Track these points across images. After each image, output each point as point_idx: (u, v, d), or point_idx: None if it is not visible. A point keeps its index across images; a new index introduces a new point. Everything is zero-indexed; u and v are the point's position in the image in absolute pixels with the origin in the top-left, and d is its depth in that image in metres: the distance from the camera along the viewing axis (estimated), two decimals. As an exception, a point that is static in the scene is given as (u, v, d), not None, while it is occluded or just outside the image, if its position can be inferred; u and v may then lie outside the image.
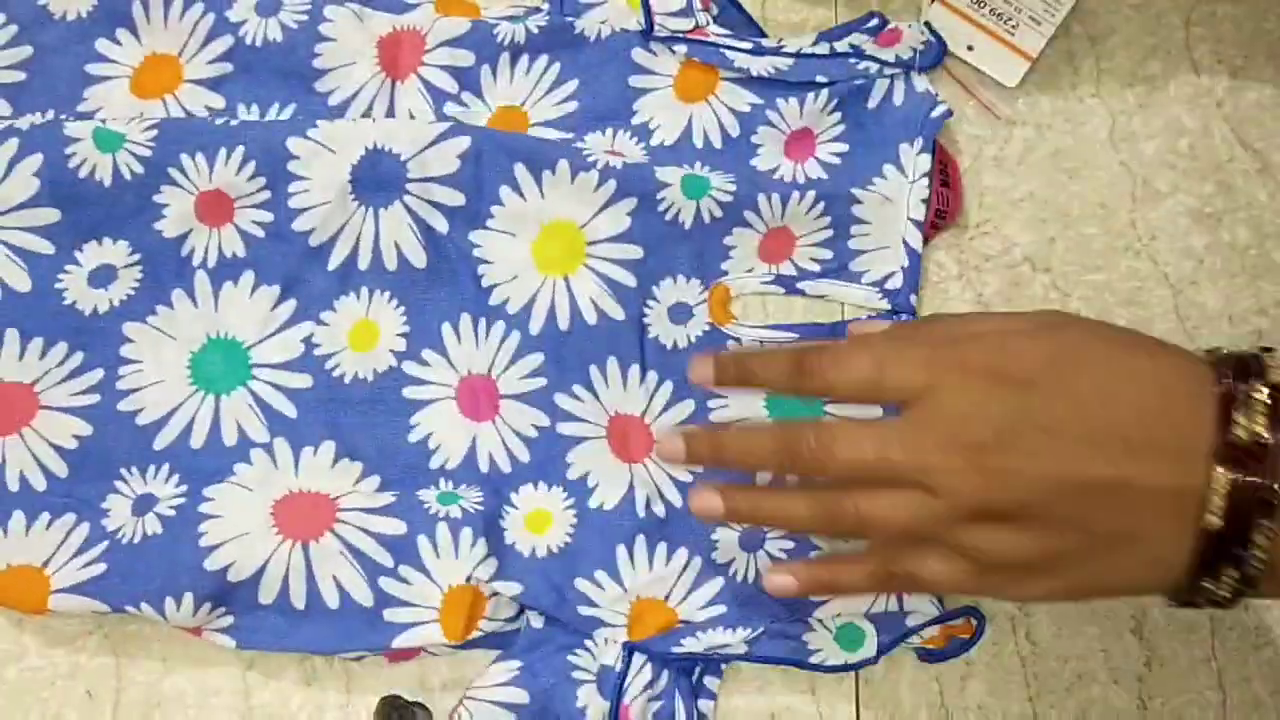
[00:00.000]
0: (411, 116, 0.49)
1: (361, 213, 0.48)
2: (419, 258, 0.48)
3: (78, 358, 0.47)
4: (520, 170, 0.48)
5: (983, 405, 0.36)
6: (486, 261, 0.48)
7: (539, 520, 0.47)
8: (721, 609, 0.46)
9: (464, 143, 0.48)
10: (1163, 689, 0.47)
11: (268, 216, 0.48)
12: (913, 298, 0.49)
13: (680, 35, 0.50)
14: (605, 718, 0.44)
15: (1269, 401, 0.33)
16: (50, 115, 0.49)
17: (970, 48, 0.51)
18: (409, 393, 0.48)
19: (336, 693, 0.47)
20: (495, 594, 0.45)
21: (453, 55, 0.50)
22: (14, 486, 0.46)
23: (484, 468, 0.47)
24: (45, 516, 0.46)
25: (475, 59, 0.50)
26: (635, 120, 0.50)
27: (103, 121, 0.47)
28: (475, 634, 0.45)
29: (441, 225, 0.48)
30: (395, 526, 0.46)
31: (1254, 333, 0.50)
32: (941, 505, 0.36)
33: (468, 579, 0.45)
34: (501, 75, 0.50)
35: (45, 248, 0.47)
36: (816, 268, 0.50)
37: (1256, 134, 0.51)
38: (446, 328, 0.48)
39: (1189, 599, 0.36)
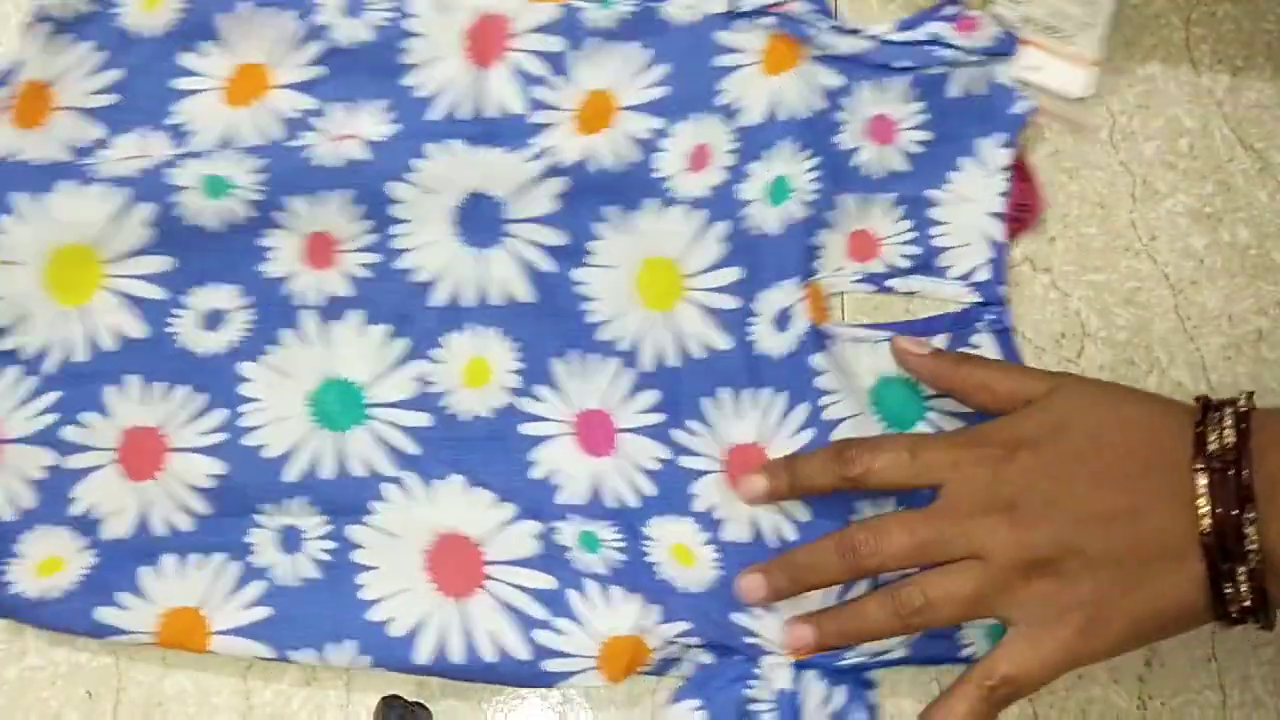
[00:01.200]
0: (502, 110, 0.49)
1: (465, 252, 0.48)
2: (524, 294, 0.48)
3: (201, 399, 0.47)
4: (613, 210, 0.49)
5: (1001, 472, 0.42)
6: (591, 299, 0.49)
7: (682, 554, 0.47)
8: None
9: (559, 184, 0.48)
10: (1163, 689, 0.47)
11: (372, 257, 0.48)
12: (1000, 289, 0.49)
13: (765, 9, 0.49)
14: None
15: (1234, 419, 0.39)
16: (143, 132, 0.49)
17: (1037, 68, 0.50)
18: (526, 429, 0.48)
19: (336, 693, 0.47)
20: (669, 642, 0.45)
21: (542, 41, 0.50)
22: (161, 530, 0.46)
23: (610, 503, 0.47)
24: (195, 557, 0.46)
25: (563, 44, 0.50)
26: (720, 100, 0.50)
27: (197, 155, 0.48)
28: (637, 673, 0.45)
29: (544, 264, 0.49)
30: (545, 581, 0.46)
31: (1254, 332, 0.50)
32: (994, 567, 0.41)
33: (633, 630, 0.45)
34: (590, 60, 0.50)
35: (156, 294, 0.48)
36: (907, 264, 0.50)
37: (1256, 134, 0.51)
38: (558, 363, 0.48)
39: (1225, 611, 0.40)
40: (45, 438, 0.47)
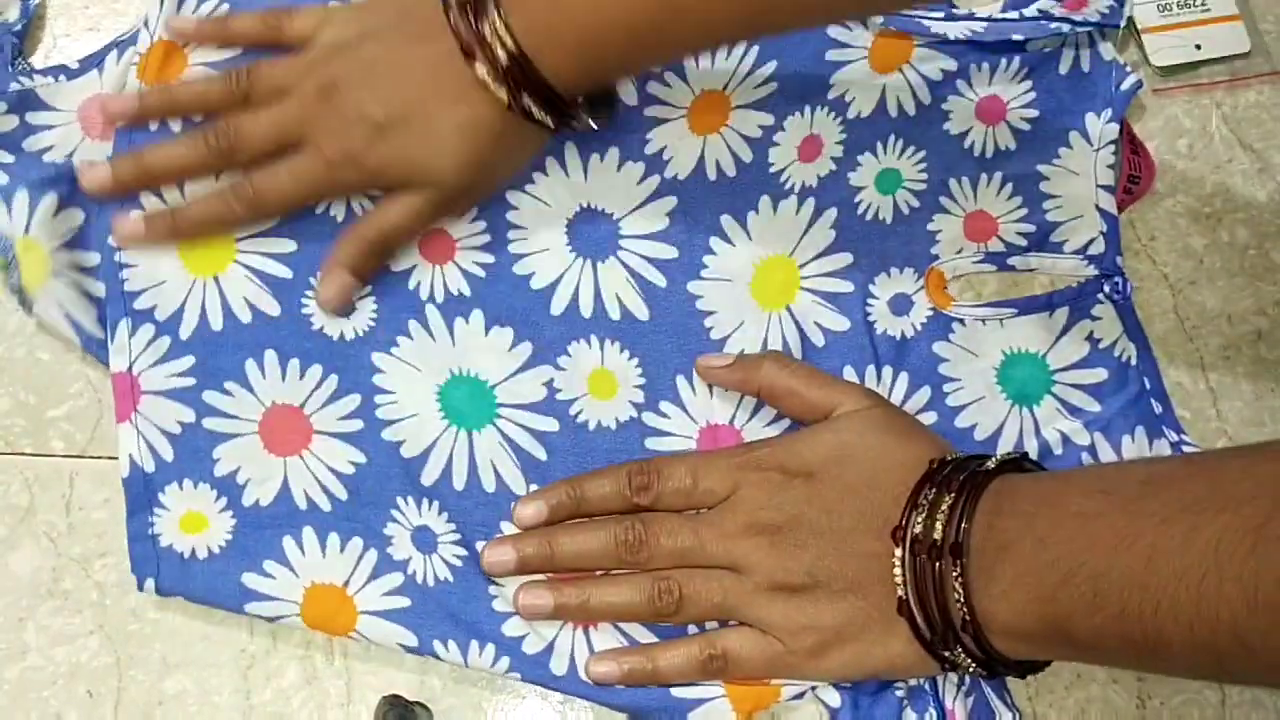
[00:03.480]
0: (616, 108, 0.49)
1: (579, 263, 0.49)
2: (641, 310, 0.49)
3: (334, 380, 0.48)
4: (726, 220, 0.49)
5: (775, 496, 0.43)
6: (711, 312, 0.49)
7: None
8: None
9: (671, 202, 0.49)
10: (1162, 689, 0.47)
11: (488, 258, 0.49)
12: (1118, 259, 0.49)
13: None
14: None
15: (930, 501, 0.40)
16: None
17: (1198, 46, 0.51)
18: (651, 444, 0.48)
19: (337, 692, 0.47)
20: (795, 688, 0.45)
21: None
22: (302, 504, 0.47)
23: None
24: (335, 537, 0.47)
25: None
26: (831, 95, 0.50)
27: None
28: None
29: (659, 279, 0.49)
30: None
31: (1253, 332, 0.50)
32: (749, 583, 0.43)
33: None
34: (703, 58, 0.50)
35: (285, 272, 0.48)
36: (1023, 242, 0.50)
37: (1256, 134, 0.51)
38: (680, 379, 0.48)
39: (953, 665, 0.41)
40: (183, 396, 0.47)
